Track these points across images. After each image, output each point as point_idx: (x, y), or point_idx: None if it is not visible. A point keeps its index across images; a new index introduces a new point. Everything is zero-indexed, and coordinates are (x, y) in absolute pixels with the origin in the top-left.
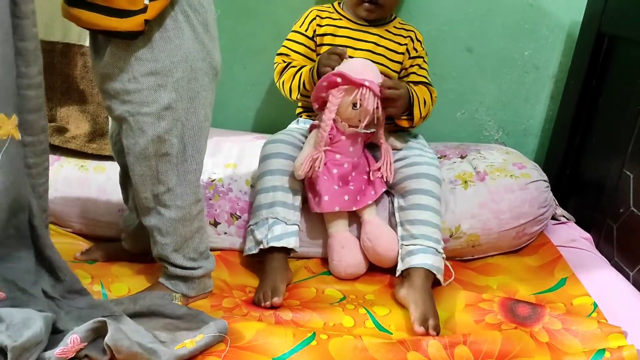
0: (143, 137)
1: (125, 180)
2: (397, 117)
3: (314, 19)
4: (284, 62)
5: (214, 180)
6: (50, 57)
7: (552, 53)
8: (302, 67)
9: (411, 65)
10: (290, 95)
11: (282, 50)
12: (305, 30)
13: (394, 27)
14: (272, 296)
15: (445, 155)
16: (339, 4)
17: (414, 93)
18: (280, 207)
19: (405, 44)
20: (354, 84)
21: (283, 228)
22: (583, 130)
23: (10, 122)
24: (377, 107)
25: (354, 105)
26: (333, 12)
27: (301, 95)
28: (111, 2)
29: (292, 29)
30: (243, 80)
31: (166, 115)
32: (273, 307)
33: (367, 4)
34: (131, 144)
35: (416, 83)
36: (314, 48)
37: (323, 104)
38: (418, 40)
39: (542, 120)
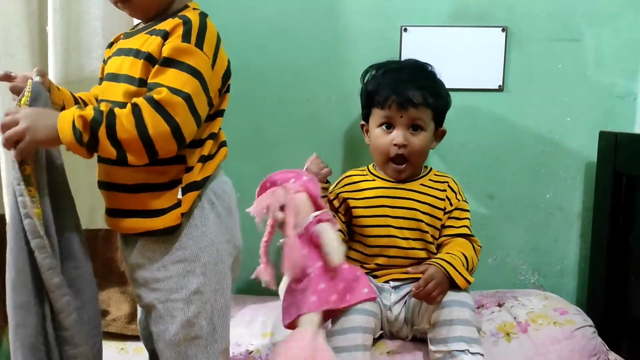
0: (173, 323)
1: None
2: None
3: (344, 179)
4: None
5: (252, 352)
6: (93, 243)
7: (574, 194)
8: None
9: (449, 218)
10: None
11: None
12: (336, 196)
13: (430, 180)
14: None
15: (482, 305)
16: (373, 166)
17: (446, 264)
18: None
19: (444, 199)
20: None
21: None
22: (621, 268)
23: None
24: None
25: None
26: (367, 174)
27: None
28: (148, 205)
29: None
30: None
31: (195, 299)
32: None
33: (394, 165)
34: (161, 331)
35: (454, 236)
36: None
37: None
38: (453, 191)
39: (577, 260)
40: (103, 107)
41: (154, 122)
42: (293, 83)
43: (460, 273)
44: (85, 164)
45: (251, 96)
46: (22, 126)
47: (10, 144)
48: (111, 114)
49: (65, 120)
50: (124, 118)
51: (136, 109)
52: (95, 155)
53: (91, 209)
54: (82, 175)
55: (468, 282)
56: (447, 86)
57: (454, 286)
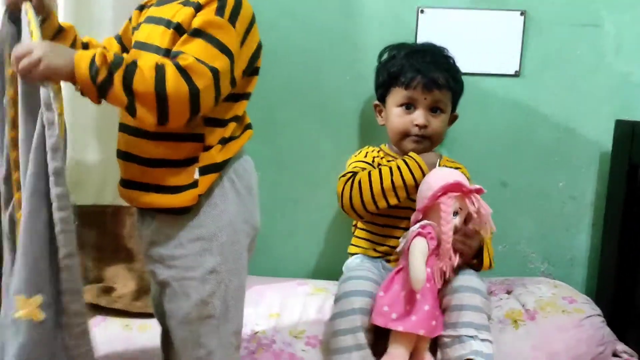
0: (187, 302)
1: (166, 341)
2: (468, 259)
3: (369, 153)
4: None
5: (257, 332)
6: (102, 219)
7: (587, 183)
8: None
9: None
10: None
11: (351, 169)
12: (365, 157)
13: (444, 165)
14: None
15: (491, 292)
16: (387, 145)
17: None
18: (356, 351)
19: None
20: (465, 192)
21: None
22: (632, 258)
23: (31, 302)
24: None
25: (455, 212)
26: (384, 156)
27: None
28: (162, 181)
29: (352, 161)
30: (281, 228)
31: (210, 278)
32: None
33: (413, 136)
34: (174, 309)
35: None
36: None
37: (425, 210)
38: (467, 179)
39: (588, 249)
40: (126, 56)
41: (175, 82)
42: (306, 65)
43: (489, 254)
44: (97, 139)
45: (264, 79)
46: (36, 54)
47: (25, 72)
48: (132, 64)
49: (84, 55)
50: (146, 71)
51: (160, 66)
52: (117, 125)
53: (102, 184)
54: (93, 150)
55: (490, 266)
56: (463, 70)
57: (472, 265)
